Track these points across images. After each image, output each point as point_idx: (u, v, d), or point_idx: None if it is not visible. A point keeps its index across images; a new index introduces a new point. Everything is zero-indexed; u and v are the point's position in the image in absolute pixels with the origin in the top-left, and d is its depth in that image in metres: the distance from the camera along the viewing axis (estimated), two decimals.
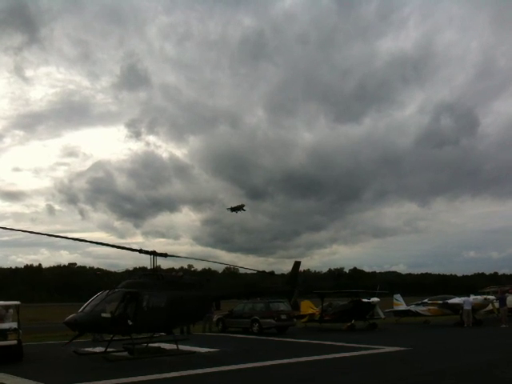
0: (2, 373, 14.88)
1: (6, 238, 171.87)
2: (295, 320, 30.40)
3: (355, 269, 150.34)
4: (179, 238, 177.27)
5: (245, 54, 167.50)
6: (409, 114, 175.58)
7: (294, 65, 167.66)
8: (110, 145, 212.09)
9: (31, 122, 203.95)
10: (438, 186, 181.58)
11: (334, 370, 14.92)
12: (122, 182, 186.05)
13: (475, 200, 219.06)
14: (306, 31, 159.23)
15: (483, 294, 36.29)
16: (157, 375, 14.15)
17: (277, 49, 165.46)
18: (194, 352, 19.51)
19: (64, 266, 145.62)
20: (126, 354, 18.86)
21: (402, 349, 19.56)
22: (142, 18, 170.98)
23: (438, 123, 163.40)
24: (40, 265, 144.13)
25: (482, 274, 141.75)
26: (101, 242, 20.55)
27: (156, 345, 20.11)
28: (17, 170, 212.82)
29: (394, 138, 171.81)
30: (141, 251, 19.44)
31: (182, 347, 19.75)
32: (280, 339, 24.81)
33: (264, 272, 29.40)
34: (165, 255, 20.09)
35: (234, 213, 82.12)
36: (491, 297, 33.37)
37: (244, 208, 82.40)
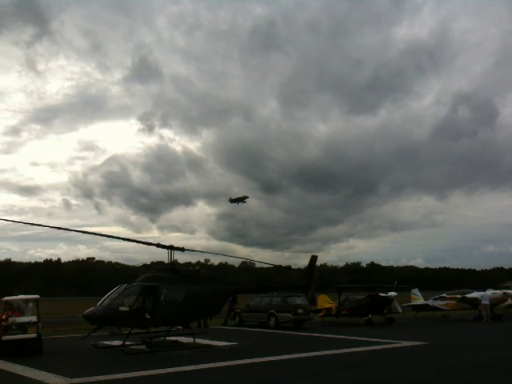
0: (21, 365, 15.09)
1: (25, 233, 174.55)
2: (312, 314, 30.35)
3: (372, 263, 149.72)
4: (195, 233, 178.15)
5: (255, 44, 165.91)
6: (425, 104, 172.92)
7: (306, 55, 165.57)
8: (123, 138, 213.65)
9: (48, 116, 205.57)
10: (455, 178, 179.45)
11: (351, 365, 14.89)
12: (136, 177, 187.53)
13: (494, 193, 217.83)
14: (317, 19, 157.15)
15: (502, 288, 35.91)
16: (174, 368, 14.24)
17: (288, 38, 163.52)
18: (211, 346, 19.59)
19: (82, 260, 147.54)
20: (143, 347, 18.97)
21: (420, 343, 19.44)
22: (151, 8, 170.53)
23: (456, 114, 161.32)
24: (59, 259, 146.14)
25: (501, 268, 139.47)
26: (120, 237, 20.81)
27: (173, 338, 20.24)
28: (34, 164, 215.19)
29: (410, 129, 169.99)
30: (158, 245, 19.55)
31: (199, 341, 19.83)
32: (297, 333, 24.80)
33: (280, 266, 29.37)
34: (182, 249, 20.19)
35: (235, 204, 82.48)
36: (510, 291, 33.04)
37: (245, 200, 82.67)
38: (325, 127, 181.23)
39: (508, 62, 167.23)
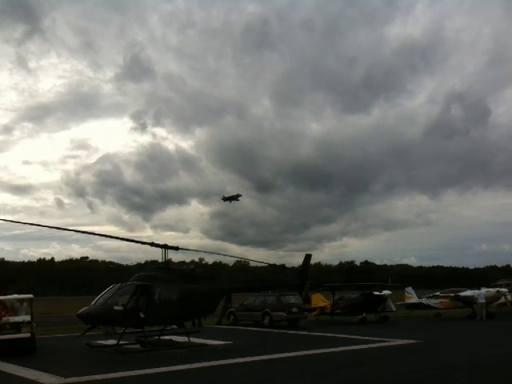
0: (15, 365, 15.05)
1: (17, 232, 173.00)
2: (306, 313, 30.39)
3: (366, 262, 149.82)
4: (188, 232, 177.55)
5: (249, 43, 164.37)
6: (418, 103, 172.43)
7: (300, 53, 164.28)
8: (116, 137, 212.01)
9: (40, 114, 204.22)
10: (448, 177, 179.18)
11: (345, 363, 14.92)
12: (129, 175, 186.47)
13: (487, 192, 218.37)
14: (310, 17, 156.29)
15: (496, 286, 36.09)
16: (169, 367, 14.24)
17: (281, 36, 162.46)
18: (206, 344, 19.60)
19: (76, 259, 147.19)
20: (138, 346, 18.97)
21: (414, 342, 19.49)
22: (143, 6, 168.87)
23: (449, 113, 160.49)
24: (52, 258, 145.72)
25: (495, 266, 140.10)
26: (114, 236, 20.78)
27: (168, 337, 20.23)
28: (26, 163, 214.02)
29: (403, 128, 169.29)
30: (152, 244, 19.51)
31: (193, 340, 19.83)
32: (291, 332, 24.83)
33: (275, 265, 29.43)
34: (176, 248, 20.16)
35: (228, 202, 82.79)
36: (504, 289, 33.20)
37: (239, 198, 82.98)
38: (318, 126, 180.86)
39: (501, 61, 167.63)
